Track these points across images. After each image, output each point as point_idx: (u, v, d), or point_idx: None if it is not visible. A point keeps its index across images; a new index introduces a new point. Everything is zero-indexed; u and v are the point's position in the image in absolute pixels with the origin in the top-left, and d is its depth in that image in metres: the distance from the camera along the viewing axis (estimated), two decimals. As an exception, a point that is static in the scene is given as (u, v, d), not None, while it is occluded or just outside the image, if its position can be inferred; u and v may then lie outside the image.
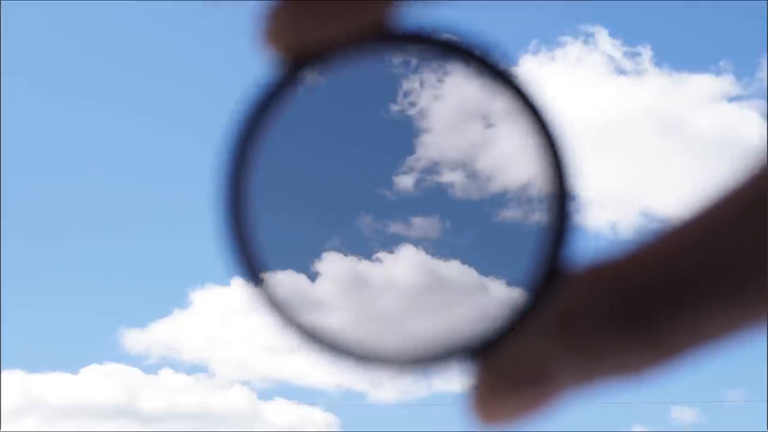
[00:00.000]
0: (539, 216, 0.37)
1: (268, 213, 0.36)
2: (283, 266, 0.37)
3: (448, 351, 0.36)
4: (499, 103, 0.36)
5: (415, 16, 0.35)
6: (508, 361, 0.35)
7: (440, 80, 0.37)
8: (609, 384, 0.36)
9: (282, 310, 0.36)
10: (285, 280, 0.37)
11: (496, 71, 0.36)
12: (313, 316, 0.36)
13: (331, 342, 0.36)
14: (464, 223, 0.38)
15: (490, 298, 0.37)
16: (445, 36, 0.35)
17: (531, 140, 0.36)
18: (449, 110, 0.37)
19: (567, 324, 0.35)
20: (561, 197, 0.36)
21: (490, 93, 0.36)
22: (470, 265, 0.38)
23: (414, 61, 0.36)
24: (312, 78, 0.35)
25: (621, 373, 0.36)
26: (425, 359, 0.36)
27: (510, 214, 0.38)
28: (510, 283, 0.37)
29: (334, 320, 0.37)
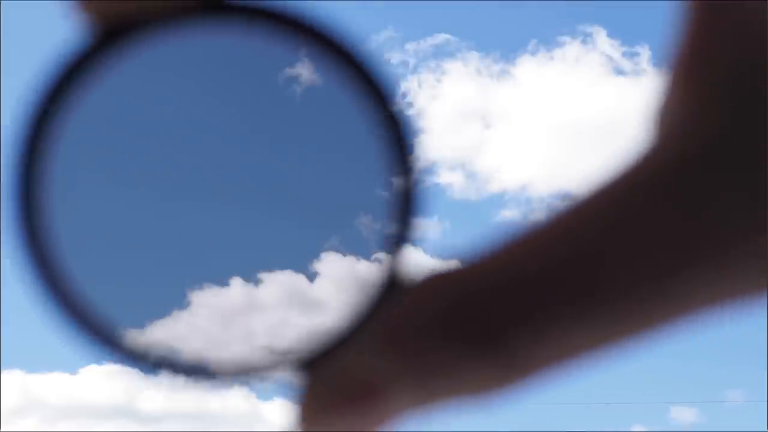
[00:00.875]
0: (378, 215, 0.33)
1: (70, 201, 0.33)
2: (275, 267, 0.36)
3: (275, 361, 0.33)
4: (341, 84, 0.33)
5: None
6: (335, 374, 0.32)
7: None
8: (453, 405, 0.32)
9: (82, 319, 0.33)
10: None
11: (334, 47, 0.32)
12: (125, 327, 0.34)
13: (142, 354, 0.33)
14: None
15: (327, 306, 0.34)
16: (282, 9, 0.32)
17: (374, 125, 0.33)
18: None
19: (399, 335, 0.31)
20: (404, 195, 0.32)
21: (326, 71, 0.33)
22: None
23: (239, 37, 0.32)
24: (126, 50, 0.31)
25: (463, 394, 0.32)
26: (250, 370, 0.33)
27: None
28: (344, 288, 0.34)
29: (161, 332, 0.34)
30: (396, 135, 0.32)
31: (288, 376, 0.33)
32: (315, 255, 0.35)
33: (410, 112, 0.32)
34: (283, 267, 0.35)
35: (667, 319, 0.32)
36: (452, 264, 0.32)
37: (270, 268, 0.36)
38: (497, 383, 0.32)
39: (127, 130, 0.32)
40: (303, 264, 0.35)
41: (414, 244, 0.32)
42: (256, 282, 0.36)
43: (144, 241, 0.34)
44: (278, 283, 0.36)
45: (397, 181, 0.32)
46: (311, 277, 0.35)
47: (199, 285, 0.35)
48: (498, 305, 0.31)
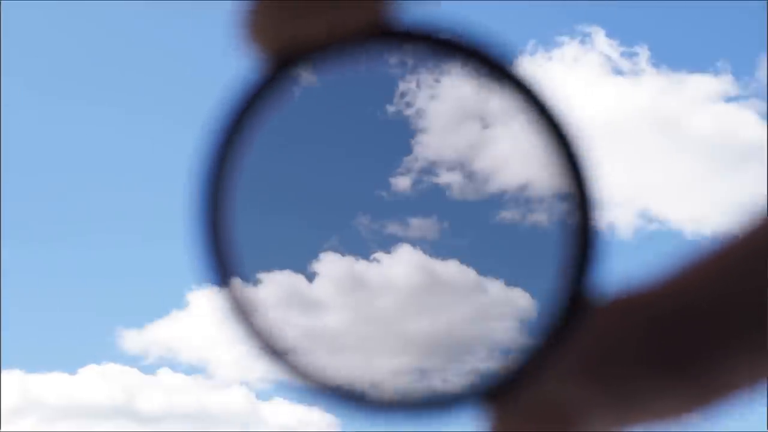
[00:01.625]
0: (560, 240, 0.33)
1: (252, 214, 0.34)
2: (274, 267, 0.35)
3: (460, 393, 0.33)
4: (503, 102, 0.34)
5: (411, 12, 0.33)
6: (529, 404, 0.32)
7: (437, 80, 0.35)
8: (643, 428, 0.32)
9: (250, 316, 0.34)
10: (269, 286, 0.35)
11: (499, 69, 0.33)
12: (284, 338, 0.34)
13: (338, 387, 0.34)
14: (465, 224, 0.37)
15: (506, 329, 0.34)
16: (444, 33, 0.33)
17: (543, 144, 0.33)
18: (447, 110, 0.36)
19: (594, 362, 0.31)
20: (584, 222, 0.33)
21: (491, 92, 0.33)
22: (478, 270, 0.36)
23: (411, 60, 0.34)
24: (304, 76, 0.33)
25: (656, 418, 0.32)
26: (434, 401, 0.33)
27: (509, 215, 0.36)
28: (532, 301, 0.34)
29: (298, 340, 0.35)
30: (575, 170, 0.33)
31: (480, 404, 0.33)
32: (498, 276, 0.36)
33: (586, 150, 0.33)
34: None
35: None
36: (635, 288, 0.32)
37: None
38: (692, 407, 0.32)
39: (298, 149, 0.35)
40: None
41: (595, 271, 0.32)
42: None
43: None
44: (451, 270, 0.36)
45: (577, 213, 0.33)
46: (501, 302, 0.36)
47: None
48: (692, 329, 0.31)
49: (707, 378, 0.31)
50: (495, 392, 0.32)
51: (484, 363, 0.33)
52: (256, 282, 0.35)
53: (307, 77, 0.33)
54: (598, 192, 0.32)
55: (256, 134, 0.33)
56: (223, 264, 0.33)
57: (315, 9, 0.31)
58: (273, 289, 0.35)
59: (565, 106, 0.33)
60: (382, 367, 0.35)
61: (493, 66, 0.33)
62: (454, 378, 0.34)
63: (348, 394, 0.34)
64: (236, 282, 0.34)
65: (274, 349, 0.34)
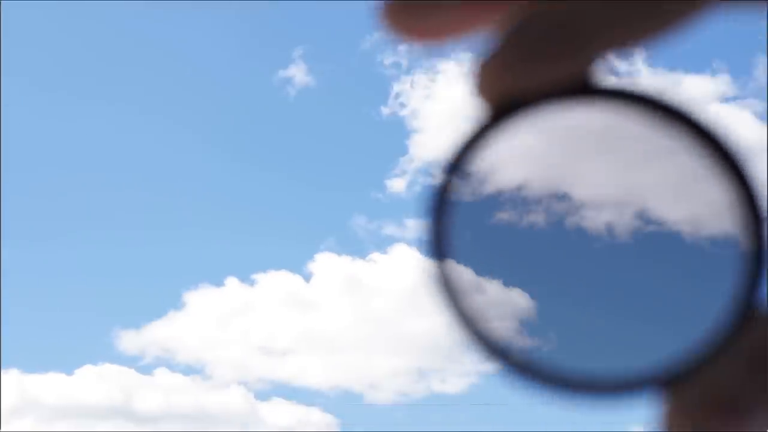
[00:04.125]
0: (733, 248, 0.37)
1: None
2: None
3: (641, 379, 0.36)
4: (698, 154, 0.37)
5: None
6: (701, 393, 0.35)
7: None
8: None
9: (459, 297, 0.38)
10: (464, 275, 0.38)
11: (699, 129, 0.37)
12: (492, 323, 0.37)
13: (521, 361, 0.37)
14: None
15: (682, 325, 0.37)
16: (647, 93, 0.38)
17: (729, 195, 0.37)
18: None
19: (764, 359, 0.35)
20: (755, 230, 0.37)
21: (692, 148, 0.37)
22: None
23: (612, 115, 0.38)
24: (514, 126, 0.38)
25: None
26: (616, 386, 0.36)
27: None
28: (696, 312, 0.37)
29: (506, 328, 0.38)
30: (751, 203, 0.37)
31: (654, 392, 0.36)
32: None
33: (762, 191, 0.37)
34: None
35: None
36: None
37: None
38: None
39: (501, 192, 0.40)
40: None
41: (764, 283, 0.37)
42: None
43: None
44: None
45: (748, 234, 0.37)
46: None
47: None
48: None
49: None
50: (671, 380, 0.36)
51: (660, 353, 0.37)
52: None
53: (517, 126, 0.38)
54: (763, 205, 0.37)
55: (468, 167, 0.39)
56: (442, 245, 0.38)
57: (534, 65, 0.36)
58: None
59: (749, 158, 0.38)
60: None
61: (694, 125, 0.37)
62: (631, 365, 0.36)
63: (544, 373, 0.37)
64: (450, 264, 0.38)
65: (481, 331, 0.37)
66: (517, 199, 0.39)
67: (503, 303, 0.38)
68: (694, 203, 0.38)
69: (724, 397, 0.34)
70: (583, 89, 0.37)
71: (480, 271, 0.38)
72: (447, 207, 0.38)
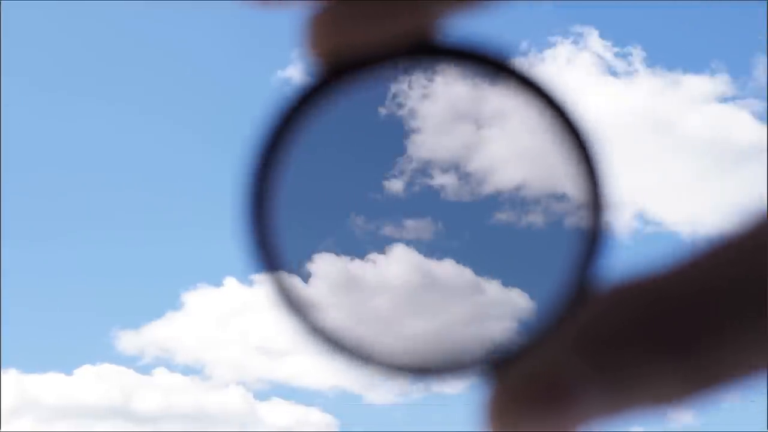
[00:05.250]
0: (568, 225, 0.36)
1: (285, 213, 0.36)
2: (284, 266, 0.37)
3: (469, 360, 0.35)
4: (532, 111, 0.36)
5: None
6: (528, 376, 0.33)
7: (430, 80, 0.36)
8: (639, 412, 0.33)
9: (299, 307, 0.36)
10: (295, 280, 0.37)
11: (535, 86, 0.35)
12: (326, 317, 0.36)
13: (345, 345, 0.36)
14: (459, 224, 0.38)
15: (510, 308, 0.36)
16: (487, 51, 0.35)
17: (565, 151, 0.35)
18: (441, 111, 0.37)
19: (593, 342, 0.33)
20: (594, 211, 0.35)
21: (506, 94, 0.36)
22: (472, 269, 0.37)
23: (450, 72, 0.36)
24: (347, 86, 0.35)
25: (652, 402, 0.33)
26: (444, 367, 0.35)
27: (505, 216, 0.37)
28: (530, 294, 0.36)
29: (339, 320, 0.37)
30: (586, 159, 0.35)
31: (479, 376, 0.35)
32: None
33: (601, 159, 0.35)
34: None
35: None
36: (639, 273, 0.33)
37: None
38: (687, 390, 0.32)
39: (336, 154, 0.37)
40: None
41: (601, 256, 0.35)
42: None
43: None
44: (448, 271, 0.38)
45: (587, 196, 0.35)
46: (506, 284, 0.37)
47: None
48: (691, 314, 0.32)
49: (704, 362, 0.32)
50: (497, 363, 0.34)
51: (490, 336, 0.35)
52: (303, 273, 0.37)
53: (349, 86, 0.35)
54: (608, 188, 0.35)
55: (300, 136, 0.36)
56: (273, 257, 0.36)
57: (369, 20, 0.34)
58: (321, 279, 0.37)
59: (586, 115, 0.36)
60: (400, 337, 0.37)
61: (517, 75, 0.35)
62: (464, 348, 0.36)
63: (373, 358, 0.36)
64: (284, 274, 0.36)
65: (329, 335, 0.36)
66: None
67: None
68: (532, 171, 0.37)
69: (551, 381, 0.32)
70: (421, 48, 0.35)
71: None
72: (269, 198, 0.36)
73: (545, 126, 0.35)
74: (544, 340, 0.34)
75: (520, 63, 0.35)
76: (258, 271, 0.35)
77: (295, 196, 0.36)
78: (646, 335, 0.32)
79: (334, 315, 0.36)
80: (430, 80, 0.36)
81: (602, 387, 0.32)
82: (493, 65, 0.35)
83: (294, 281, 0.36)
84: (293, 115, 0.35)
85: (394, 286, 0.38)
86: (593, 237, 0.35)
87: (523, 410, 0.33)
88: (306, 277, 0.37)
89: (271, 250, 0.35)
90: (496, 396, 0.33)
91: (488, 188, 0.37)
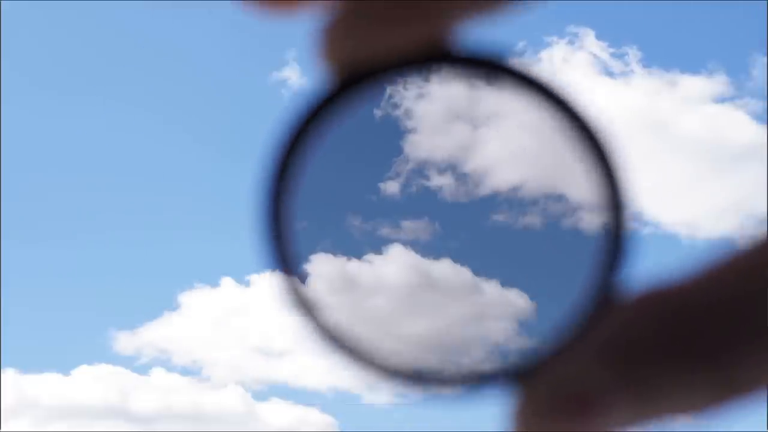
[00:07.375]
0: (592, 235, 0.35)
1: (301, 214, 0.36)
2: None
3: (492, 371, 0.35)
4: (550, 120, 0.35)
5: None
6: (554, 385, 0.33)
7: (425, 81, 0.36)
8: (664, 420, 0.33)
9: (312, 308, 0.36)
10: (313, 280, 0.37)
11: (553, 97, 0.35)
12: (328, 317, 0.36)
13: (352, 346, 0.36)
14: (457, 226, 0.38)
15: (533, 317, 0.36)
16: (500, 59, 0.35)
17: (585, 161, 0.35)
18: (438, 111, 0.37)
19: (619, 351, 0.32)
20: (616, 213, 0.35)
21: (543, 112, 0.35)
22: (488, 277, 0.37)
23: (466, 81, 0.35)
24: (362, 95, 0.35)
25: (678, 410, 0.32)
26: (468, 379, 0.35)
27: (502, 217, 0.37)
28: (529, 294, 0.36)
29: (337, 321, 0.37)
30: (607, 168, 0.35)
31: (506, 385, 0.35)
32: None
33: (622, 165, 0.35)
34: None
35: None
36: (663, 281, 0.33)
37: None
38: (714, 400, 0.32)
39: (352, 162, 0.37)
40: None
41: (625, 265, 0.34)
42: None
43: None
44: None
45: (610, 207, 0.35)
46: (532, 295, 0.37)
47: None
48: (717, 323, 0.32)
49: (729, 372, 0.32)
50: (521, 373, 0.34)
51: (514, 346, 0.35)
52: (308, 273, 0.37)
53: (364, 95, 0.35)
54: (629, 192, 0.35)
55: (310, 144, 0.36)
56: (288, 257, 0.36)
57: (383, 31, 0.33)
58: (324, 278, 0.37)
59: (606, 127, 0.36)
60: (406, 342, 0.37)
61: (531, 80, 0.35)
62: (482, 359, 0.36)
63: (398, 372, 0.35)
64: (298, 274, 0.36)
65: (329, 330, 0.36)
66: None
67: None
68: (530, 172, 0.37)
69: (577, 391, 0.32)
70: (434, 57, 0.35)
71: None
72: (287, 198, 0.36)
73: (557, 128, 0.35)
74: (569, 349, 0.34)
75: (532, 67, 0.35)
76: (273, 271, 0.36)
77: (294, 196, 0.36)
78: (673, 346, 0.32)
79: (332, 315, 0.36)
80: (426, 80, 0.35)
81: (629, 398, 0.32)
82: (506, 72, 0.35)
83: (304, 282, 0.36)
84: (307, 126, 0.35)
85: (392, 286, 0.38)
86: (616, 242, 0.35)
87: (549, 422, 0.33)
88: (304, 278, 0.37)
89: (288, 251, 0.35)
90: (522, 407, 0.33)
91: (485, 189, 0.37)
